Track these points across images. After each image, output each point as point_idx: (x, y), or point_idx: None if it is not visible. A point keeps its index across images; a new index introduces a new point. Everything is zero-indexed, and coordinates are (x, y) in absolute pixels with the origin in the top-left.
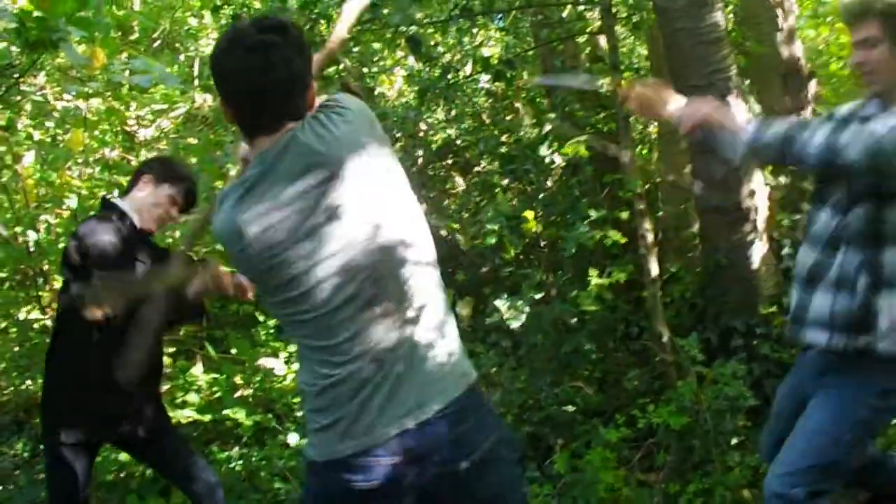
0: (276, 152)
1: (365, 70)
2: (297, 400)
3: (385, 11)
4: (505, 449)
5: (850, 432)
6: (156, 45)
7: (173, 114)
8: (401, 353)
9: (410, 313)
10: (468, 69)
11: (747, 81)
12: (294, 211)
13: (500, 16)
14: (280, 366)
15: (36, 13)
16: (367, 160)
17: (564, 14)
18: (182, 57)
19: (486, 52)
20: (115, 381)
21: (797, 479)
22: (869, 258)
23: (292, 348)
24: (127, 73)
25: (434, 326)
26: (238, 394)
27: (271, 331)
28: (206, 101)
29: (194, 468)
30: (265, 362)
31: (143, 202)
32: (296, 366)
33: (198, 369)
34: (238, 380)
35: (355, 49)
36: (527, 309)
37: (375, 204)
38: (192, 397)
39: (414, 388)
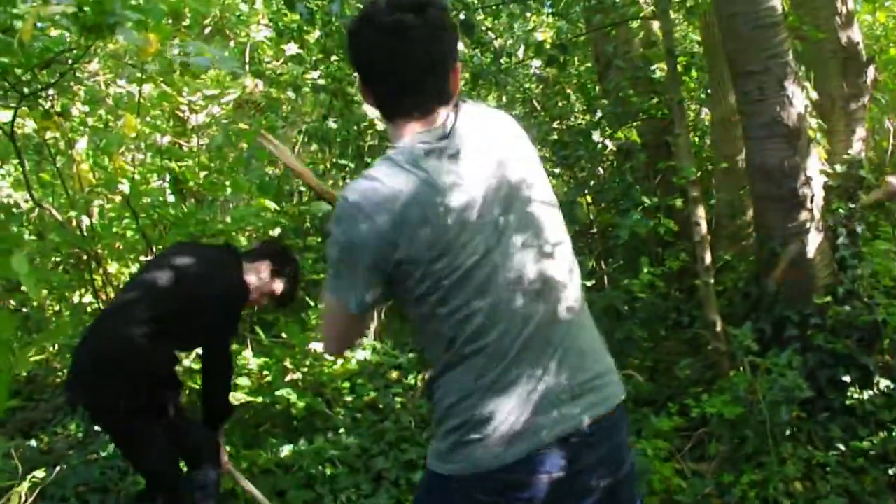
0: (441, 135)
1: None
2: (346, 385)
3: None
4: (632, 468)
5: None
6: (207, 31)
7: (225, 99)
8: (561, 356)
9: (572, 314)
10: (520, 54)
11: (804, 67)
12: (475, 195)
13: (551, 0)
14: None
15: None
16: (529, 160)
17: None
18: (232, 43)
19: (538, 36)
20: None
21: None
22: None
23: None
24: (183, 55)
25: (593, 332)
26: (288, 378)
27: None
28: (257, 86)
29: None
30: (315, 346)
31: (258, 287)
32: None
33: (248, 353)
34: (288, 364)
35: None
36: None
37: (540, 205)
38: (244, 381)
39: (578, 398)
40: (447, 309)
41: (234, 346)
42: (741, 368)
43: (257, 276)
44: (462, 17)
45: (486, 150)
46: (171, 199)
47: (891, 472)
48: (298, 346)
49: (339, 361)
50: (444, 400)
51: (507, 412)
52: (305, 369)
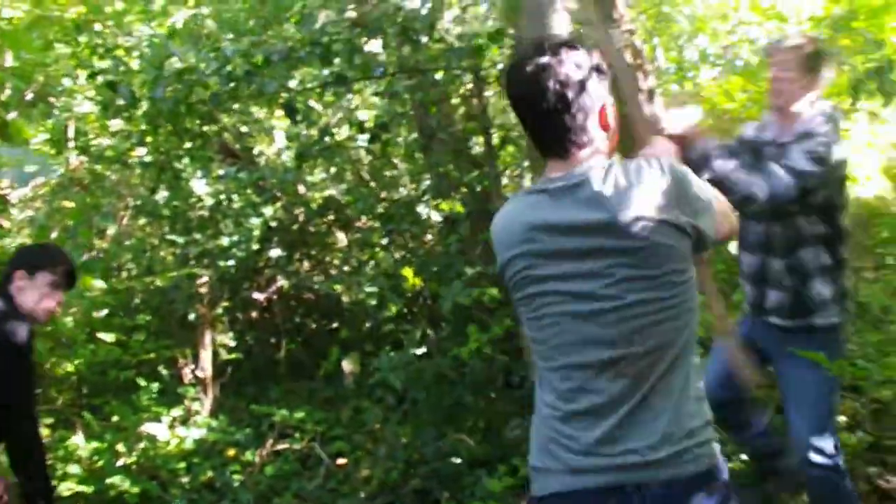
0: (563, 185)
1: (244, 129)
2: (182, 465)
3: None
4: None
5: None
6: (29, 96)
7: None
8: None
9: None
10: (345, 131)
11: None
12: (564, 246)
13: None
14: (163, 431)
15: None
16: (654, 234)
17: (438, 76)
18: (57, 111)
19: (363, 114)
20: None
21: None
22: (790, 262)
23: (176, 412)
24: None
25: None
26: (121, 462)
27: (153, 395)
28: (81, 162)
29: None
30: (147, 428)
31: (27, 302)
32: (180, 430)
33: (78, 439)
34: (120, 447)
35: (235, 106)
36: (402, 374)
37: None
38: (74, 468)
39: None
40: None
41: (62, 432)
42: None
43: (21, 295)
44: (286, 100)
45: (597, 204)
46: None
47: None
48: (130, 428)
49: (174, 441)
50: None
51: None
52: (138, 452)
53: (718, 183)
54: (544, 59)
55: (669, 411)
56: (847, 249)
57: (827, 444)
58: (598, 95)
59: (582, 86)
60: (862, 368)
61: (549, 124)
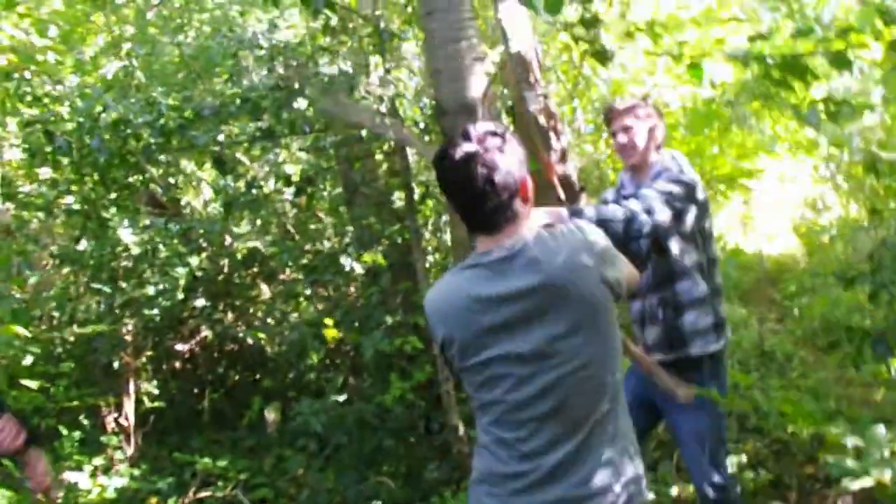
0: (500, 257)
1: (171, 181)
2: None
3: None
4: None
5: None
6: None
7: None
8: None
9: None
10: (271, 184)
11: None
12: (508, 313)
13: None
14: (84, 479)
15: None
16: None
17: (363, 132)
18: None
19: (289, 168)
20: None
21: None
22: (664, 295)
23: (98, 461)
24: None
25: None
26: None
27: (75, 443)
28: (8, 209)
29: None
30: (69, 476)
31: None
32: (102, 479)
33: None
34: (40, 497)
35: (161, 157)
36: (323, 416)
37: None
38: None
39: None
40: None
41: None
42: None
43: None
44: (215, 152)
45: (534, 268)
46: None
47: None
48: (52, 476)
49: (96, 490)
50: None
51: None
52: (60, 501)
53: (601, 223)
54: (471, 148)
55: (603, 457)
56: (719, 277)
57: (719, 477)
58: (519, 174)
59: (506, 169)
60: (764, 413)
61: (479, 205)
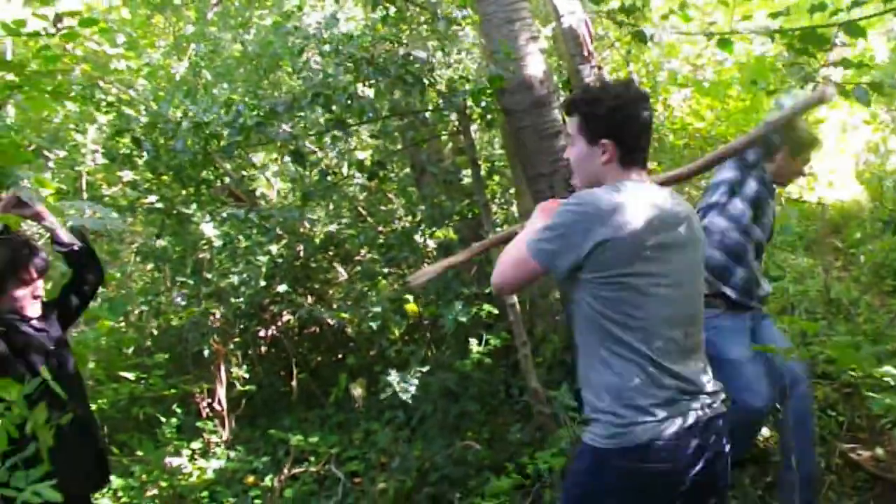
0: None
1: (244, 174)
2: (205, 494)
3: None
4: None
5: None
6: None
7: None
8: None
9: None
10: (344, 171)
11: None
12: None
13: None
14: (185, 463)
15: None
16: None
17: (427, 115)
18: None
19: (360, 154)
20: None
21: None
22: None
23: (195, 445)
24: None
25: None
26: (148, 494)
27: (173, 429)
28: (95, 212)
29: None
30: (171, 461)
31: (11, 305)
32: (200, 461)
33: None
34: (144, 478)
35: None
36: (415, 381)
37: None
38: (105, 502)
39: None
40: None
41: None
42: (565, 424)
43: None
44: (294, 146)
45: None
46: None
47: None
48: (153, 461)
49: (196, 473)
50: None
51: None
52: (164, 483)
53: None
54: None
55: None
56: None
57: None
58: None
59: None
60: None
61: (648, 140)
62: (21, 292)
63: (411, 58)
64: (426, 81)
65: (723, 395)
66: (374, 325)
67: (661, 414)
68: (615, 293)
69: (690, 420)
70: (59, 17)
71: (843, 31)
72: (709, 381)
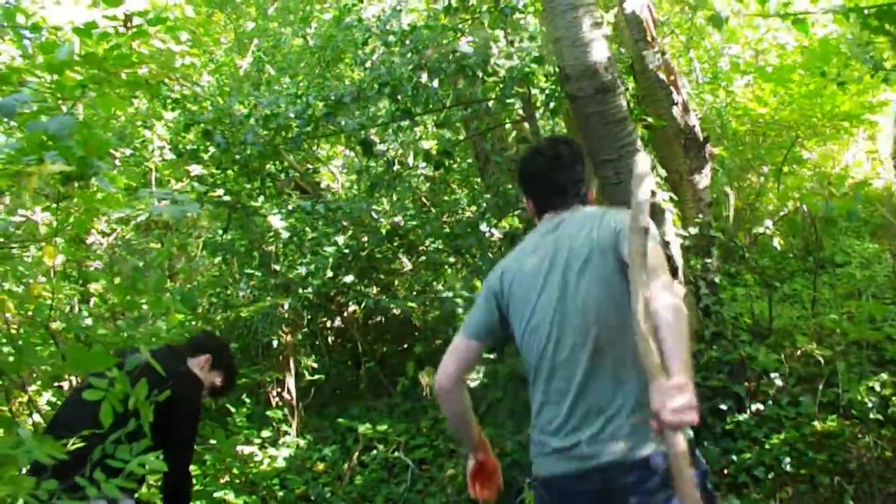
0: (557, 219)
1: (309, 166)
2: (276, 482)
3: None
4: None
5: None
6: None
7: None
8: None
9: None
10: (410, 161)
11: (652, 150)
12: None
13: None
14: (256, 451)
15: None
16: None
17: (490, 104)
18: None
19: (424, 144)
20: None
21: None
22: None
23: (265, 434)
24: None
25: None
26: (222, 481)
27: (244, 418)
28: (165, 205)
29: None
30: (243, 449)
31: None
32: (271, 450)
33: None
34: (217, 466)
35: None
36: (482, 368)
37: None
38: None
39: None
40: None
41: None
42: None
43: (199, 369)
44: (363, 136)
45: (576, 226)
46: (87, 321)
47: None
48: (225, 450)
49: (267, 461)
50: None
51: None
52: (236, 471)
53: None
54: (559, 148)
55: None
56: None
57: None
58: (585, 178)
59: (581, 168)
60: None
61: (548, 187)
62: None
63: (458, 54)
64: (480, 73)
65: None
66: (439, 313)
67: None
68: None
69: None
70: (128, 17)
71: None
72: None
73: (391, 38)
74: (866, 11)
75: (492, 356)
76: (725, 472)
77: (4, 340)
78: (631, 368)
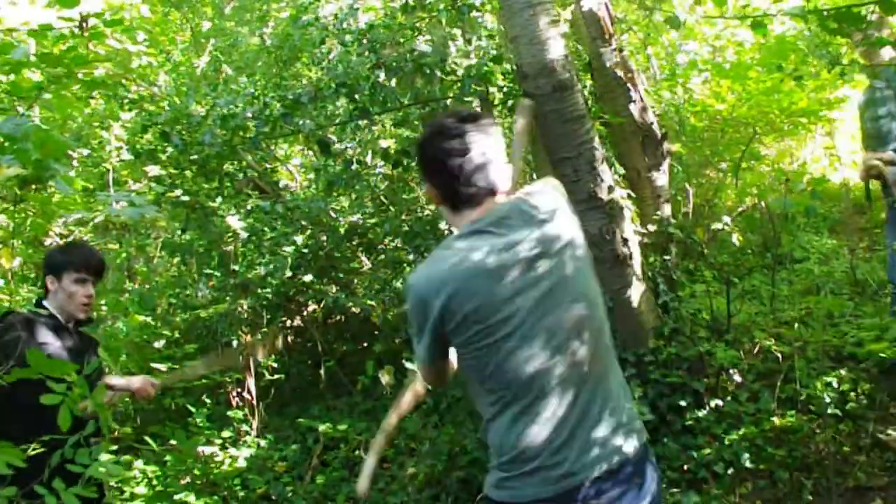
0: (495, 217)
1: (267, 166)
2: (237, 482)
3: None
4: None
5: None
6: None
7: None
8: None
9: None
10: (368, 160)
11: (610, 147)
12: (517, 261)
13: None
14: (217, 451)
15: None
16: (572, 227)
17: (448, 103)
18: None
19: (383, 143)
20: None
21: None
22: None
23: (226, 434)
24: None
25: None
26: (182, 482)
27: (204, 419)
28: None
29: None
30: (203, 449)
31: (58, 301)
32: (232, 450)
33: (139, 463)
34: (178, 467)
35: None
36: None
37: (579, 269)
38: (141, 490)
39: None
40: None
41: (127, 457)
42: None
43: (52, 295)
44: (320, 136)
45: (526, 223)
46: None
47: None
48: (186, 450)
49: (227, 461)
50: None
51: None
52: (197, 472)
53: None
54: (469, 125)
55: None
56: None
57: None
58: (502, 154)
59: (495, 145)
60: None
61: (475, 177)
62: (73, 293)
63: (416, 53)
64: (438, 73)
65: None
66: (398, 311)
67: None
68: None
69: None
70: (84, 18)
71: (879, 8)
72: None
73: (348, 38)
74: (825, 13)
75: None
76: (685, 468)
77: None
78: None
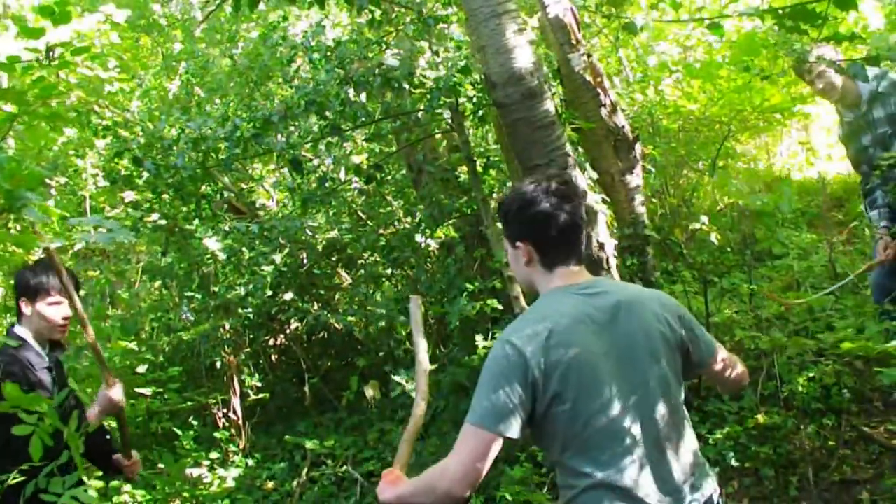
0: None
1: (243, 186)
2: (226, 502)
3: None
4: None
5: None
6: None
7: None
8: None
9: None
10: (342, 176)
11: (582, 152)
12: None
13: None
14: (205, 473)
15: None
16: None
17: (420, 115)
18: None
19: (355, 158)
20: None
21: None
22: None
23: (214, 455)
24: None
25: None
26: None
27: (191, 441)
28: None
29: None
30: (192, 471)
31: (34, 324)
32: (220, 471)
33: (128, 487)
34: (167, 490)
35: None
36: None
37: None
38: None
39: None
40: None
41: (115, 483)
42: None
43: (27, 319)
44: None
45: (626, 304)
46: None
47: (716, 470)
48: (174, 473)
49: (216, 482)
50: None
51: None
52: (186, 494)
53: None
54: (567, 189)
55: None
56: None
57: None
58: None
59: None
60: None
61: (569, 238)
62: (47, 316)
63: (384, 67)
64: (406, 85)
65: None
66: (380, 325)
67: None
68: None
69: None
70: (50, 49)
71: (833, 4)
72: None
73: (316, 55)
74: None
75: (433, 367)
76: None
77: None
78: None
